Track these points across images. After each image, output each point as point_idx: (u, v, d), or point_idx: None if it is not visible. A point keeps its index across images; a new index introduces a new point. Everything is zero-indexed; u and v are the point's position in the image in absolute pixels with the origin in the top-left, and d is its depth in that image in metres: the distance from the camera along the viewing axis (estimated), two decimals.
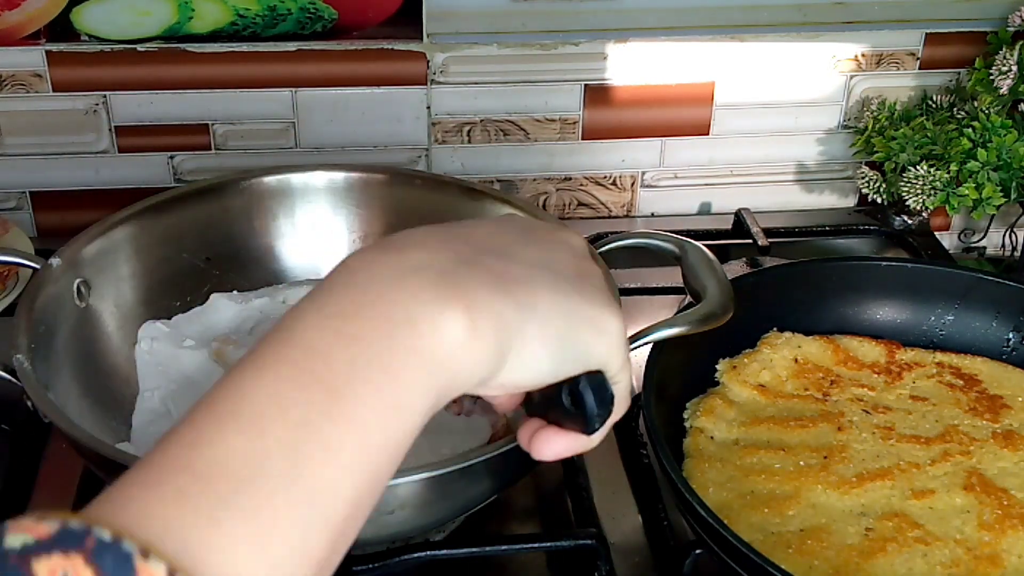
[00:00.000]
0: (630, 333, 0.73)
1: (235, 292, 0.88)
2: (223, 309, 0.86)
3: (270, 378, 0.40)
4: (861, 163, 1.13)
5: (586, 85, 1.07)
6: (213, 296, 0.87)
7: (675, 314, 0.82)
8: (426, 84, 1.05)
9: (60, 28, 0.98)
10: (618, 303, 0.50)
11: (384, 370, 0.41)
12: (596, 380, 0.48)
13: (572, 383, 0.48)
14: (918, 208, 1.02)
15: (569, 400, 0.48)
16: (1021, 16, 1.04)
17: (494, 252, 0.47)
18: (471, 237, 0.48)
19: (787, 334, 0.88)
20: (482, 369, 0.44)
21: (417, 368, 0.42)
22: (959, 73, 1.11)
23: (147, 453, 0.38)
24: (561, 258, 0.49)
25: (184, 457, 0.37)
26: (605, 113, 1.09)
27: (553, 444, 0.51)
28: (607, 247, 0.82)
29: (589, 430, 0.49)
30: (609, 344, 0.48)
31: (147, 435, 0.77)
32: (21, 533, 0.32)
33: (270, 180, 0.90)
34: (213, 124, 1.05)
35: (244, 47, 1.01)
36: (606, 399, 0.49)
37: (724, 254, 1.03)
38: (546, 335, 0.46)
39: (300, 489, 0.37)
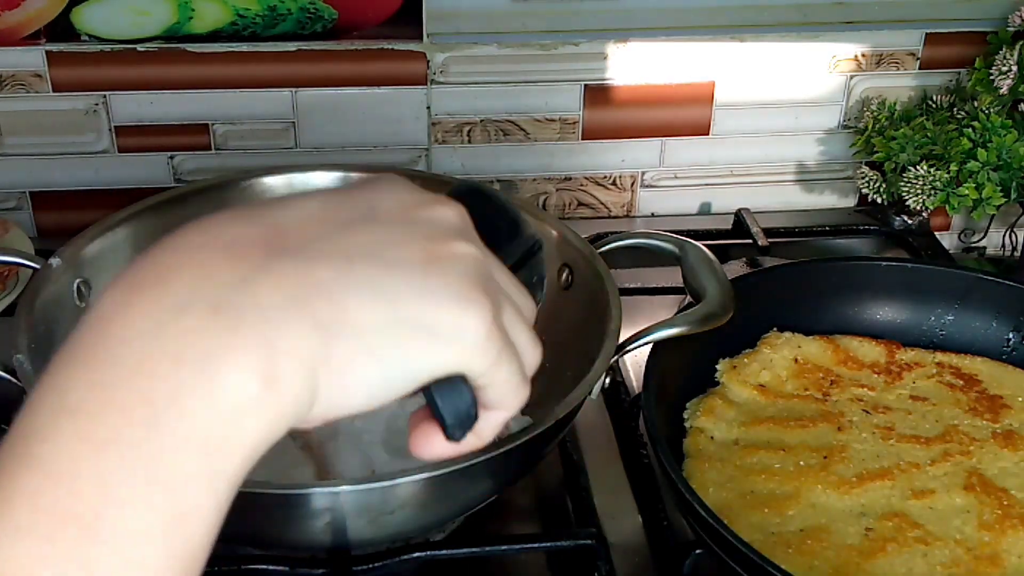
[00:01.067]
0: (630, 333, 0.74)
1: None
2: None
3: (15, 533, 0.31)
4: (861, 163, 1.12)
5: (586, 85, 1.07)
6: None
7: (675, 314, 0.82)
8: (426, 84, 1.05)
9: (60, 28, 0.98)
10: (481, 290, 0.40)
11: (151, 480, 0.32)
12: (447, 387, 0.41)
13: (425, 389, 0.41)
14: (918, 208, 1.02)
15: (427, 405, 0.42)
16: (1021, 16, 1.04)
17: (298, 248, 0.37)
18: (276, 229, 0.38)
19: (787, 334, 0.88)
20: (288, 417, 0.36)
21: (196, 458, 0.33)
22: (959, 73, 1.11)
23: None
24: (406, 242, 0.39)
25: None
26: (605, 113, 1.09)
27: (432, 446, 0.43)
28: (607, 247, 0.82)
29: (452, 438, 0.43)
30: (457, 350, 0.39)
31: None
32: None
33: (270, 180, 0.90)
34: (213, 124, 1.05)
35: (244, 47, 1.01)
36: (460, 408, 0.41)
37: (724, 254, 1.03)
38: (362, 355, 0.37)
39: None
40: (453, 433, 0.43)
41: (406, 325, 0.38)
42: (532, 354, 0.44)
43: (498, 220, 0.50)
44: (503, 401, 0.43)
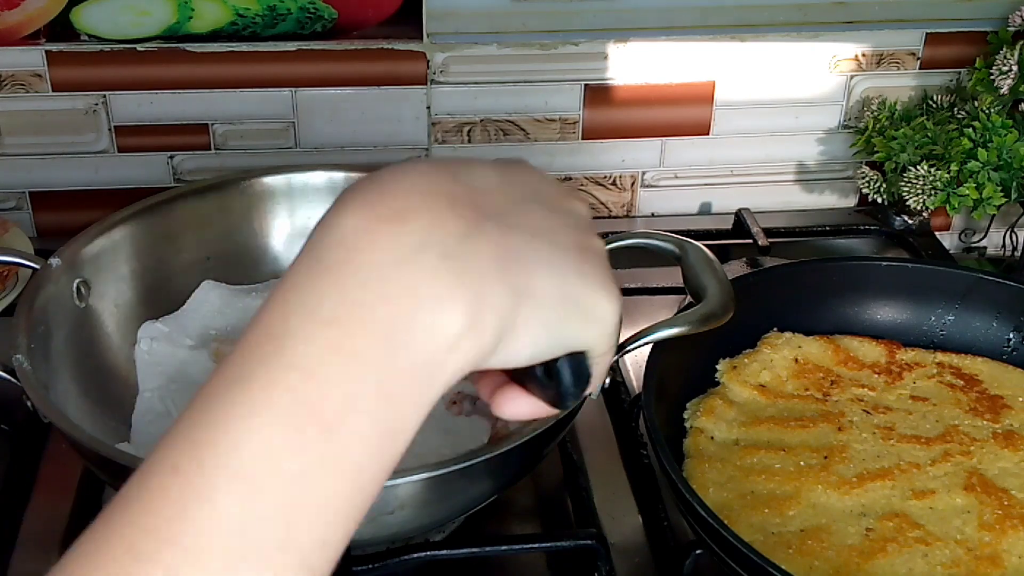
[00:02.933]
0: (630, 333, 0.74)
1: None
2: (213, 298, 0.85)
3: (263, 416, 0.36)
4: (861, 163, 1.12)
5: (586, 85, 1.07)
6: (204, 283, 0.86)
7: (675, 314, 0.82)
8: (426, 84, 1.05)
9: (60, 28, 0.97)
10: (615, 283, 0.46)
11: (382, 396, 0.37)
12: (576, 360, 0.46)
13: (551, 360, 0.45)
14: (918, 208, 1.02)
15: (544, 373, 0.46)
16: (1021, 16, 1.04)
17: (496, 215, 0.42)
18: (476, 192, 0.42)
19: (787, 334, 0.88)
20: (476, 362, 0.40)
21: (416, 385, 0.38)
22: (959, 73, 1.11)
23: (124, 505, 0.35)
24: (564, 228, 0.45)
25: (167, 529, 0.34)
26: (605, 113, 1.09)
27: (518, 405, 0.47)
28: (607, 247, 0.82)
29: (561, 406, 0.47)
30: (601, 330, 0.45)
31: (147, 435, 0.77)
32: None
33: (270, 180, 0.90)
34: (213, 124, 1.04)
35: (244, 47, 1.01)
36: (583, 379, 0.46)
37: (724, 254, 1.03)
38: (536, 321, 0.42)
39: (293, 552, 0.35)
40: (567, 400, 0.46)
41: (569, 302, 0.43)
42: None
43: None
44: (594, 382, 0.47)
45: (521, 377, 0.47)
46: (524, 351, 0.43)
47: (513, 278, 0.41)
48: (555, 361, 0.45)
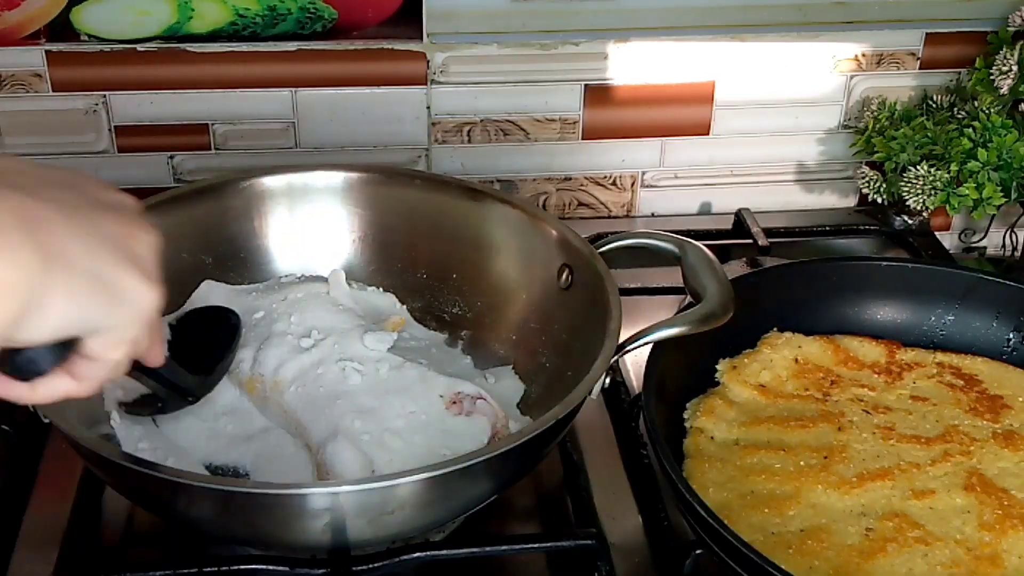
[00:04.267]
0: (630, 333, 0.74)
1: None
2: (213, 298, 0.85)
3: None
4: (861, 163, 1.12)
5: (586, 85, 1.07)
6: (204, 283, 0.86)
7: (675, 314, 0.82)
8: (426, 84, 1.05)
9: (60, 28, 0.97)
10: (157, 275, 0.47)
11: None
12: (53, 351, 0.45)
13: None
14: (918, 208, 1.02)
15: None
16: (1021, 16, 1.04)
17: (22, 188, 0.43)
18: (9, 173, 0.44)
19: (787, 334, 0.88)
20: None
21: None
22: (959, 73, 1.11)
23: None
24: (102, 213, 0.46)
25: None
26: (605, 113, 1.09)
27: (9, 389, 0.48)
28: (607, 247, 0.82)
29: (15, 376, 0.46)
30: (130, 314, 0.46)
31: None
32: None
33: (270, 180, 0.90)
34: (213, 124, 1.05)
35: (244, 47, 1.01)
36: (35, 372, 0.46)
37: (724, 254, 1.03)
38: (68, 291, 0.42)
39: None
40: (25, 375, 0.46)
41: (102, 279, 0.44)
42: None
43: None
44: (99, 350, 0.47)
45: None
46: (48, 323, 0.42)
47: (43, 243, 0.41)
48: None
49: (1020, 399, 0.84)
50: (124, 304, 0.45)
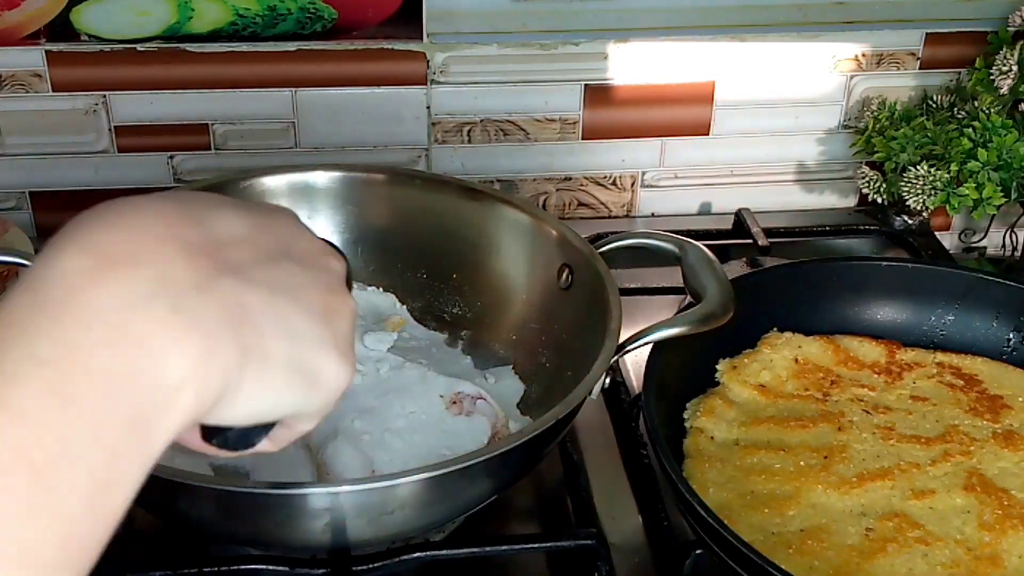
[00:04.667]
0: (630, 333, 0.74)
1: None
2: None
3: None
4: (861, 163, 1.12)
5: (586, 85, 1.07)
6: None
7: (675, 314, 0.82)
8: (426, 84, 1.05)
9: (60, 28, 0.97)
10: (352, 348, 0.45)
11: (99, 446, 0.35)
12: (263, 427, 0.45)
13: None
14: (918, 208, 1.02)
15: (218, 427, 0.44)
16: (1021, 16, 1.04)
17: (236, 269, 0.41)
18: (217, 241, 0.41)
19: (787, 334, 0.88)
20: (197, 416, 0.39)
21: (134, 437, 0.36)
22: (959, 73, 1.11)
23: None
24: (310, 285, 0.44)
25: None
26: (605, 113, 1.09)
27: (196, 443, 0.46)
28: (607, 247, 0.82)
29: (223, 448, 0.46)
30: (322, 399, 0.44)
31: None
32: None
33: (270, 180, 0.90)
34: (213, 124, 1.04)
35: (244, 47, 1.01)
36: (248, 445, 0.46)
37: (724, 254, 1.03)
38: (261, 384, 0.41)
39: None
40: (223, 448, 0.46)
41: (298, 365, 0.42)
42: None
43: None
44: (276, 443, 0.47)
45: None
46: (242, 411, 0.41)
47: (244, 338, 0.40)
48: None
49: (1020, 399, 0.84)
50: (321, 390, 0.44)
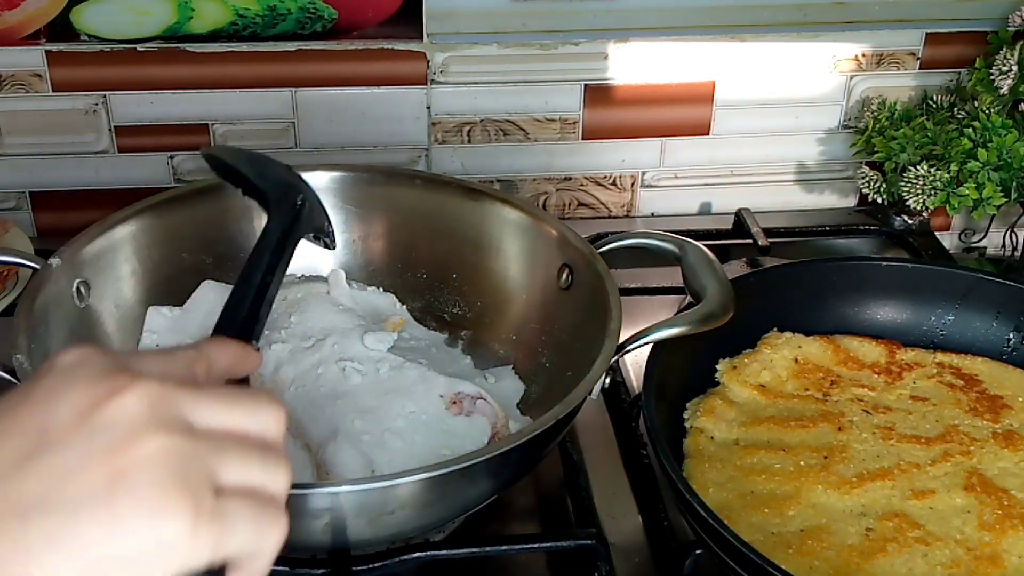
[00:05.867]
0: (630, 333, 0.74)
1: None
2: (213, 298, 0.85)
3: None
4: (861, 163, 1.12)
5: (586, 85, 1.07)
6: (204, 283, 0.86)
7: (675, 314, 0.82)
8: (426, 84, 1.05)
9: (60, 28, 0.97)
10: (178, 487, 0.38)
11: None
12: None
13: None
14: (918, 208, 1.02)
15: None
16: (1021, 16, 1.04)
17: None
18: None
19: (787, 334, 0.88)
20: None
21: None
22: (959, 73, 1.11)
23: None
24: (84, 465, 0.37)
25: None
26: (605, 113, 1.09)
27: None
28: (607, 247, 0.82)
29: None
30: (168, 560, 0.38)
31: None
32: None
33: None
34: (213, 124, 1.04)
35: (244, 47, 1.01)
36: None
37: (724, 254, 1.03)
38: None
39: None
40: None
41: (104, 564, 0.36)
42: (276, 485, 0.43)
43: (262, 181, 0.65)
44: (253, 554, 0.42)
45: None
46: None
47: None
48: None
49: (1020, 399, 0.84)
50: (156, 558, 0.37)
